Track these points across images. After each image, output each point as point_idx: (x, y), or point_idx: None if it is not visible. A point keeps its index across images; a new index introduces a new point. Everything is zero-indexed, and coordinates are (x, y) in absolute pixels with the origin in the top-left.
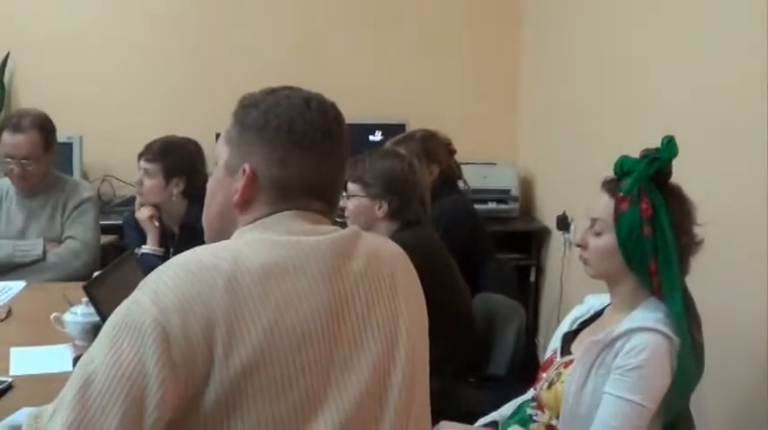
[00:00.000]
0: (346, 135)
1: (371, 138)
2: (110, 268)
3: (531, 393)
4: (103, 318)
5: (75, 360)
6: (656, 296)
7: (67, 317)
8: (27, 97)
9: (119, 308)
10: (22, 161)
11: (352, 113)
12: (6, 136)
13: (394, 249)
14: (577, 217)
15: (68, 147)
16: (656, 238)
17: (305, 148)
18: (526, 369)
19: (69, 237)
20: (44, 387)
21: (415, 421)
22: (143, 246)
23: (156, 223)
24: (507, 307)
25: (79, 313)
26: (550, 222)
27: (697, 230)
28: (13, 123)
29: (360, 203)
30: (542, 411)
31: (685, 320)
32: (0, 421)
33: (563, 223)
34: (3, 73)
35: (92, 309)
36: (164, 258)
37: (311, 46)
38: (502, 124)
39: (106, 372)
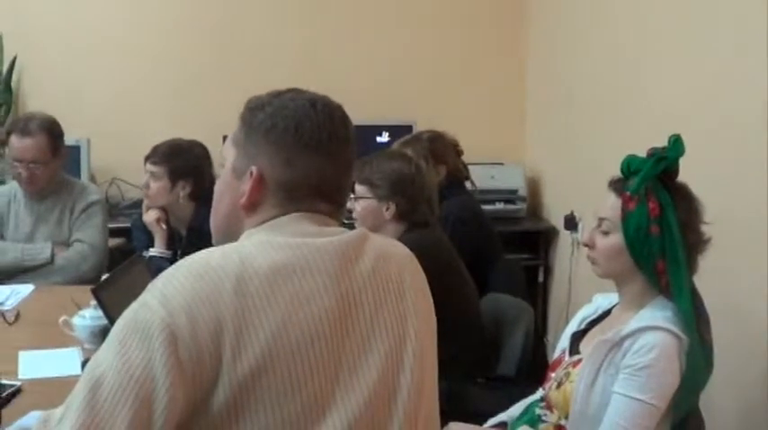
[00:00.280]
0: (353, 136)
1: (378, 139)
2: (118, 271)
3: (539, 393)
4: (111, 321)
5: (84, 363)
6: (664, 295)
7: (76, 320)
8: (35, 101)
9: (127, 310)
10: (30, 165)
11: (359, 115)
12: (14, 139)
13: (402, 250)
14: (585, 216)
15: (76, 150)
16: (663, 238)
17: (312, 150)
18: (535, 369)
19: (77, 241)
20: (53, 390)
21: (424, 422)
22: (151, 249)
23: (164, 226)
24: (516, 307)
25: (88, 316)
26: (558, 222)
27: (704, 229)
28: (21, 127)
29: (367, 205)
30: (551, 411)
31: (694, 319)
32: (9, 425)
33: (570, 223)
34: (11, 76)
35: (100, 313)
36: (171, 260)
37: (318, 47)
38: (509, 124)
39: (115, 375)
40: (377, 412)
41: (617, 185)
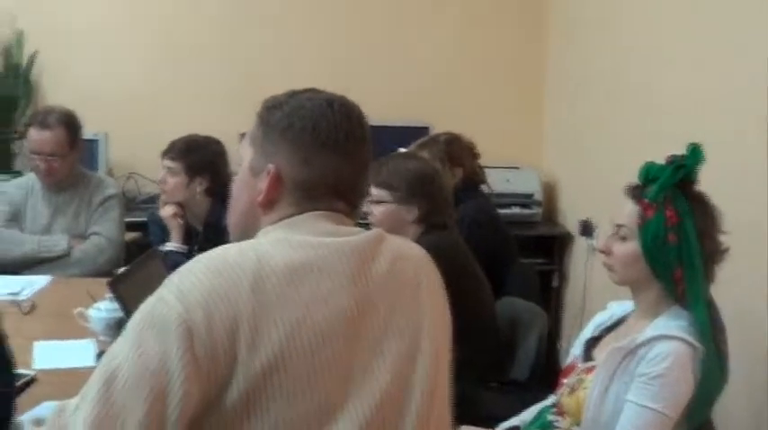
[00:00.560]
0: (369, 136)
1: (392, 140)
2: (134, 265)
3: (551, 399)
4: (128, 314)
5: (99, 355)
6: (680, 304)
7: (92, 312)
8: (54, 94)
9: (144, 304)
10: (48, 157)
11: (375, 116)
12: (33, 132)
13: (418, 252)
14: (601, 223)
15: (94, 144)
16: (680, 246)
17: (329, 149)
18: (547, 374)
19: (94, 233)
20: (67, 381)
21: (436, 424)
22: (167, 244)
23: (180, 221)
24: (530, 312)
25: (103, 308)
26: (573, 228)
27: (722, 238)
28: (40, 120)
29: (387, 209)
30: (563, 417)
31: (709, 329)
32: (23, 414)
33: (586, 229)
34: (31, 70)
35: (116, 305)
36: (188, 256)
37: (336, 48)
38: (525, 128)
39: (130, 368)
40: (389, 413)
41: (635, 192)
